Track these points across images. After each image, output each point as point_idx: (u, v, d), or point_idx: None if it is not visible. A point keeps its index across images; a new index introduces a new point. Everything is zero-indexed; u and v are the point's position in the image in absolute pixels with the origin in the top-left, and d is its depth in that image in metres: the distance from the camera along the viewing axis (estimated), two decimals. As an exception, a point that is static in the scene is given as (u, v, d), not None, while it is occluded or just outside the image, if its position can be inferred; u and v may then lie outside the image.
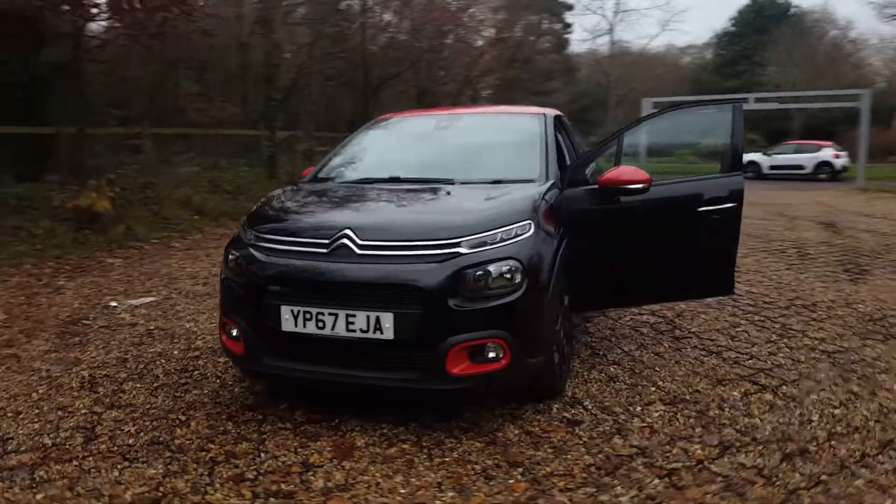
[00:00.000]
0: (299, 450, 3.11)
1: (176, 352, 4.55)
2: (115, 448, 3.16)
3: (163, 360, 4.38)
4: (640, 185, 3.93)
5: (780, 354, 4.40)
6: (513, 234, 3.26)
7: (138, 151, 13.87)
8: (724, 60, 47.54)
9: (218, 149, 17.05)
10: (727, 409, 3.53)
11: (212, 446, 3.16)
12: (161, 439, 3.25)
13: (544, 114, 4.57)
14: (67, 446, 3.19)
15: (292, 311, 3.20)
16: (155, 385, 3.95)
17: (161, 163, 13.81)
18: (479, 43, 22.88)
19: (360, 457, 3.03)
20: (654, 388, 3.82)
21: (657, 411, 3.51)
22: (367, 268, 3.14)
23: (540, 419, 3.42)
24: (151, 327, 5.14)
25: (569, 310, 3.87)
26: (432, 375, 3.09)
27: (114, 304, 5.80)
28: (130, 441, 3.23)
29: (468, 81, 23.21)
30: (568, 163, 4.45)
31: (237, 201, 12.27)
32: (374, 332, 3.09)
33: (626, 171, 3.98)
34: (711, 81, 44.20)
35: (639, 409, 3.55)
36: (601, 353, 4.43)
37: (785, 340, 4.70)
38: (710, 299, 5.78)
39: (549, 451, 3.09)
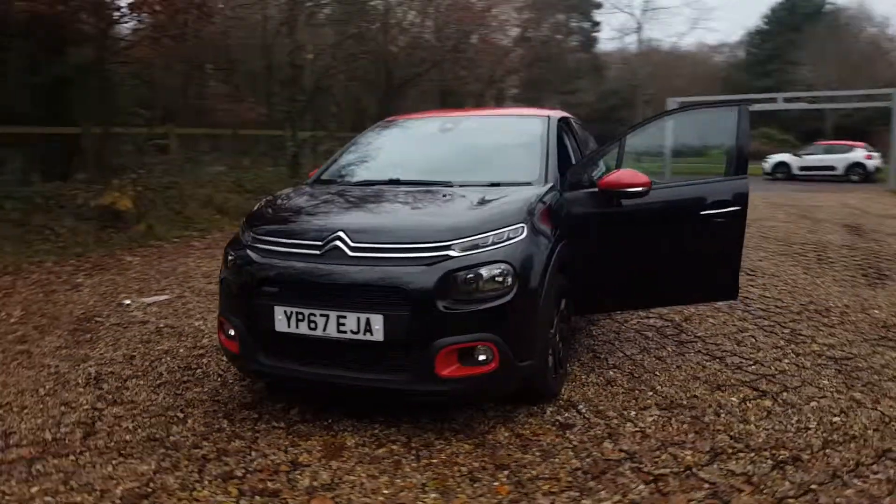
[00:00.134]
0: (290, 449, 3.15)
1: (182, 350, 4.63)
2: (112, 444, 3.23)
3: (168, 358, 4.46)
4: (639, 189, 3.91)
5: (785, 360, 4.34)
6: (504, 238, 3.26)
7: (164, 151, 14.11)
8: (755, 59, 46.85)
9: (244, 149, 17.28)
10: (723, 415, 3.49)
11: (205, 444, 3.22)
12: (157, 436, 3.31)
13: (548, 116, 4.56)
14: (66, 441, 3.27)
15: (285, 311, 3.24)
16: (158, 382, 4.02)
17: (186, 162, 14.04)
18: (504, 42, 22.83)
19: (349, 457, 3.06)
20: (651, 393, 3.80)
21: (651, 416, 3.49)
22: (357, 270, 3.17)
23: (532, 422, 3.42)
24: (161, 325, 5.23)
25: (566, 313, 3.85)
26: (421, 377, 3.11)
27: (127, 301, 5.91)
28: (127, 437, 3.30)
29: (492, 81, 23.17)
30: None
31: (258, 201, 12.39)
32: (365, 334, 3.12)
33: (627, 175, 3.96)
34: (742, 80, 43.60)
35: (633, 413, 3.53)
36: (602, 356, 4.41)
37: (792, 346, 4.63)
38: (720, 303, 5.73)
39: (538, 454, 3.09)
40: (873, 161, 24.17)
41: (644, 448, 3.14)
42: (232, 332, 3.49)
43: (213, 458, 3.06)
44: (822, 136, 32.85)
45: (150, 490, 2.80)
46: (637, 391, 3.83)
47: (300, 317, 3.21)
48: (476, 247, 3.19)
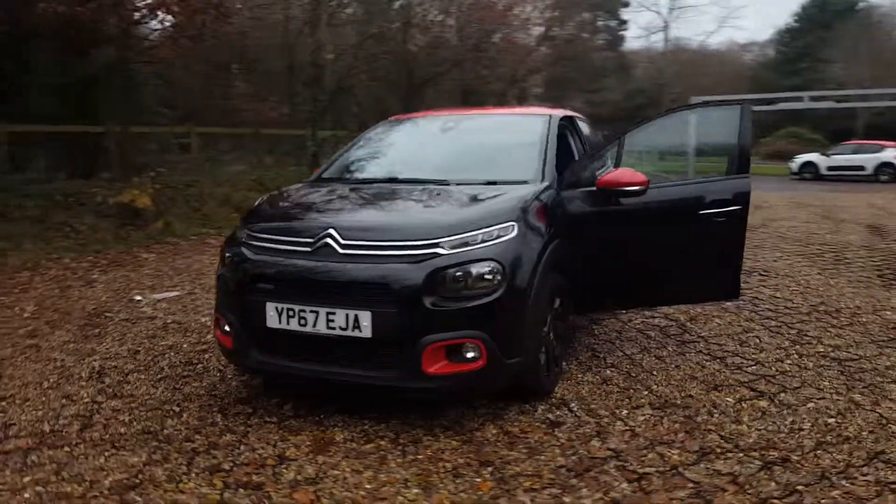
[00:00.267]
0: (279, 443, 3.18)
1: (186, 345, 4.70)
2: (107, 436, 3.29)
3: (171, 353, 4.53)
4: (636, 188, 3.89)
5: (788, 361, 4.28)
6: (494, 236, 3.27)
7: (186, 150, 14.33)
8: (784, 57, 46.20)
9: (268, 148, 17.46)
10: (716, 415, 3.46)
11: (197, 437, 3.27)
12: (152, 429, 3.37)
13: (549, 115, 4.54)
14: (64, 433, 3.34)
15: (277, 307, 3.28)
16: (158, 377, 4.09)
17: (208, 161, 14.25)
18: (527, 41, 22.77)
19: (336, 452, 3.09)
20: (646, 392, 3.77)
21: (643, 415, 3.47)
22: (347, 267, 3.20)
23: (522, 420, 3.42)
24: (168, 321, 5.31)
25: (561, 311, 3.84)
26: (409, 374, 3.13)
27: (138, 297, 6.02)
28: (122, 430, 3.36)
29: (514, 80, 23.12)
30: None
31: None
32: (353, 330, 3.14)
33: (625, 174, 3.94)
34: (771, 79, 43.00)
35: (625, 412, 3.51)
36: (601, 355, 4.39)
37: (797, 347, 4.56)
38: (728, 303, 5.68)
39: (524, 451, 3.09)
40: (904, 160, 23.66)
41: (632, 447, 3.13)
42: (227, 328, 3.54)
43: (202, 452, 3.11)
44: (853, 136, 32.26)
45: (137, 481, 2.86)
46: (632, 390, 3.81)
47: (291, 313, 3.25)
48: (465, 244, 3.21)
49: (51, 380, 4.06)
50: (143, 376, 4.11)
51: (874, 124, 34.77)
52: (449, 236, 3.20)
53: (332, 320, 3.17)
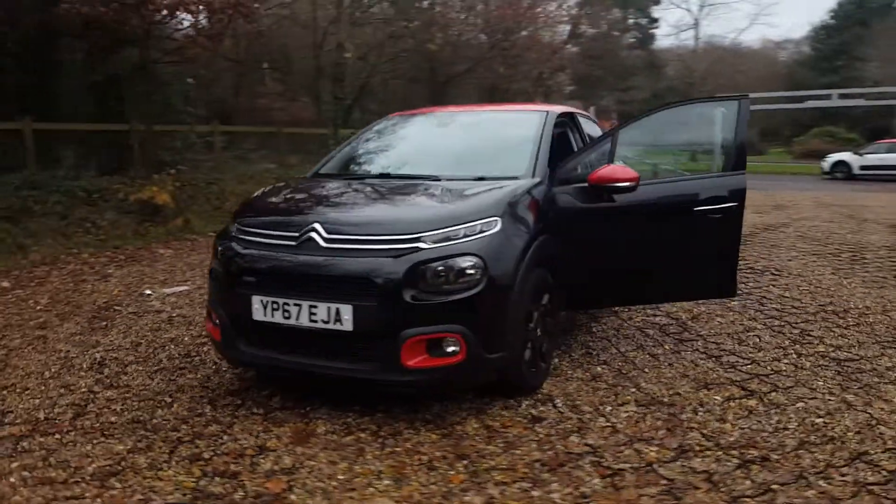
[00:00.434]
0: (261, 434, 3.24)
1: (187, 338, 4.79)
2: (98, 425, 3.38)
3: (172, 346, 4.62)
4: (627, 184, 3.87)
5: (785, 360, 4.23)
6: (477, 231, 3.28)
7: (212, 148, 14.54)
8: (820, 55, 45.33)
9: (295, 147, 17.63)
10: (701, 413, 3.44)
11: (184, 427, 3.33)
12: (141, 418, 3.45)
13: (546, 112, 4.54)
14: (57, 421, 3.44)
15: (262, 300, 3.33)
16: (155, 368, 4.18)
17: (234, 159, 14.44)
18: (553, 39, 22.68)
19: (315, 443, 3.14)
20: (634, 389, 3.76)
21: (627, 412, 3.46)
22: (329, 260, 3.24)
23: (504, 415, 3.43)
24: (174, 314, 5.42)
25: (550, 307, 3.83)
26: (388, 367, 3.16)
27: (148, 291, 6.14)
28: (113, 419, 3.45)
29: (541, 78, 23.03)
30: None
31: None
32: (335, 324, 3.19)
33: (616, 170, 3.93)
34: (806, 77, 42.22)
35: (608, 409, 3.50)
36: (595, 352, 4.38)
37: (797, 346, 4.50)
38: (734, 302, 5.62)
39: (501, 445, 3.10)
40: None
41: (610, 443, 3.12)
42: (216, 321, 3.61)
43: (186, 441, 3.18)
44: (889, 135, 31.51)
45: (119, 468, 2.93)
46: (620, 387, 3.79)
47: (275, 306, 3.30)
48: (447, 239, 3.23)
49: (53, 370, 4.17)
50: (141, 368, 4.20)
51: (912, 122, 33.97)
52: (431, 231, 3.22)
53: (315, 313, 3.21)
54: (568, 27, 24.83)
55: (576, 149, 4.79)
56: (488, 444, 3.12)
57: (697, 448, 3.07)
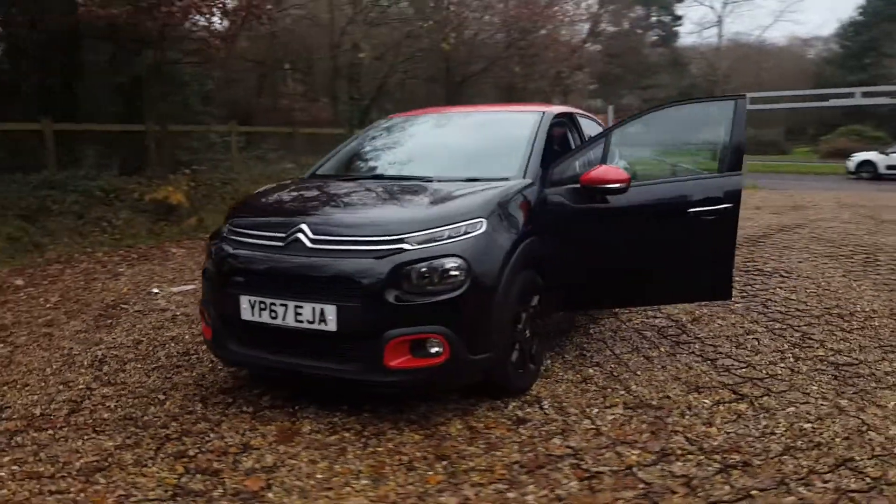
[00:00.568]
0: (247, 432, 3.28)
1: (188, 336, 4.86)
2: (91, 421, 3.45)
3: (172, 344, 4.69)
4: (618, 185, 3.86)
5: (781, 364, 4.18)
6: (461, 232, 3.30)
7: (230, 148, 14.70)
8: (849, 52, 44.52)
9: (312, 147, 17.76)
10: (688, 417, 3.42)
11: (174, 424, 3.39)
12: (133, 415, 3.51)
13: (543, 112, 4.53)
14: (52, 417, 3.51)
15: (250, 300, 3.38)
16: (153, 366, 4.25)
17: (252, 159, 14.59)
18: (573, 38, 22.58)
19: (299, 442, 3.17)
20: (623, 392, 3.75)
21: (613, 415, 3.45)
22: (314, 261, 3.27)
23: (490, 416, 3.44)
24: (178, 313, 5.50)
25: (540, 309, 3.83)
26: (371, 367, 3.18)
27: (155, 290, 6.24)
28: (106, 415, 3.52)
29: (559, 77, 22.95)
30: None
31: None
32: (319, 324, 3.22)
33: (608, 171, 3.92)
34: (834, 75, 41.51)
35: (595, 411, 3.49)
36: (589, 354, 4.37)
37: (795, 350, 4.45)
38: (736, 304, 5.57)
39: (482, 446, 3.11)
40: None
41: (592, 445, 3.12)
42: (209, 320, 3.66)
43: (174, 438, 3.23)
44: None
45: (106, 464, 2.99)
46: (609, 389, 3.78)
47: (263, 306, 3.34)
48: (431, 240, 3.24)
49: (54, 366, 4.26)
50: (139, 365, 4.27)
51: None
52: (415, 232, 3.24)
53: (300, 314, 3.25)
54: (587, 25, 24.67)
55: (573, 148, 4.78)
56: (470, 445, 3.13)
57: (679, 452, 3.05)
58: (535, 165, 4.01)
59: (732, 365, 4.17)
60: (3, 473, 2.92)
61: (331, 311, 3.19)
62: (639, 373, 4.04)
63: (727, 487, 2.76)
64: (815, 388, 3.81)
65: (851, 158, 25.14)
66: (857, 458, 2.99)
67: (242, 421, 3.42)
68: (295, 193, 4.05)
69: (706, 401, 3.63)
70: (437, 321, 3.18)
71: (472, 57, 17.57)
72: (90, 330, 5.06)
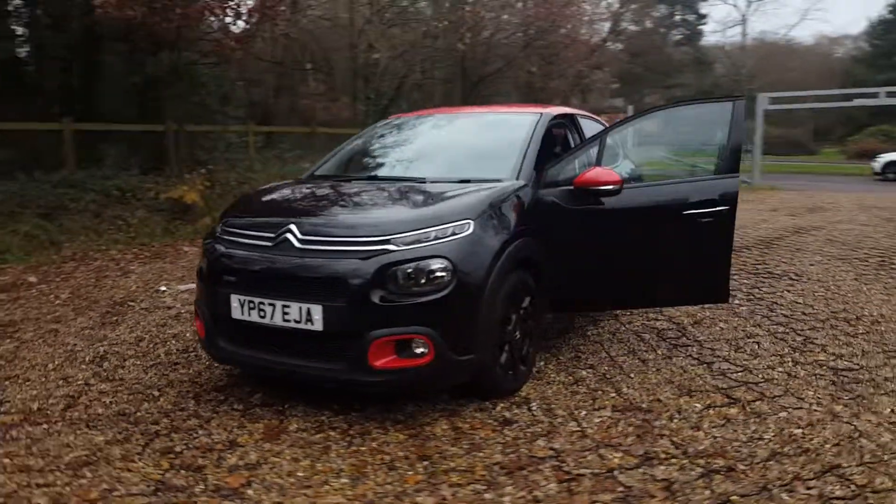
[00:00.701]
0: (235, 430, 3.32)
1: (189, 334, 4.92)
2: (85, 416, 3.52)
3: (173, 341, 4.76)
4: (610, 187, 3.85)
5: (779, 369, 4.13)
6: (448, 233, 3.30)
7: (247, 148, 14.84)
8: (879, 51, 43.78)
9: (331, 146, 17.82)
10: (676, 421, 3.39)
11: (164, 420, 3.44)
12: (127, 411, 3.57)
13: (541, 113, 4.53)
14: (48, 412, 3.58)
15: (240, 299, 3.42)
16: (152, 363, 4.31)
17: (272, 158, 14.71)
18: (592, 37, 22.46)
19: (285, 440, 3.20)
20: (614, 394, 3.73)
21: (600, 417, 3.43)
22: (301, 261, 3.30)
23: (477, 417, 3.44)
24: (183, 310, 5.57)
25: (532, 310, 3.82)
26: (356, 367, 3.20)
27: (163, 288, 6.32)
28: (100, 411, 3.58)
29: (580, 77, 22.84)
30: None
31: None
32: (306, 323, 3.25)
33: (602, 173, 3.91)
34: (863, 74, 40.82)
35: (583, 413, 3.48)
36: (584, 356, 4.35)
37: (795, 355, 4.39)
38: (741, 307, 5.52)
39: (465, 447, 3.12)
40: None
41: (575, 448, 3.11)
42: (202, 319, 3.71)
43: (163, 434, 3.28)
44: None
45: (94, 458, 3.04)
46: (600, 391, 3.77)
47: (252, 305, 3.38)
48: (417, 242, 3.26)
49: (56, 362, 4.34)
50: (138, 362, 4.34)
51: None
52: (401, 233, 3.26)
53: (288, 313, 3.28)
54: (607, 24, 24.52)
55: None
56: (453, 445, 3.14)
57: (663, 456, 3.03)
58: (529, 167, 4.01)
59: (729, 369, 4.13)
60: (-6, 466, 2.99)
61: (317, 310, 3.21)
62: (632, 375, 4.02)
63: (707, 492, 2.74)
64: (810, 393, 3.76)
65: (877, 159, 24.67)
66: (845, 464, 2.95)
67: (232, 418, 3.46)
68: (288, 194, 4.08)
69: (697, 404, 3.60)
70: (422, 322, 3.19)
71: (489, 57, 17.54)
72: (95, 327, 5.15)
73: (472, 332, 3.32)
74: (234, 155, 14.18)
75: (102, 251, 8.26)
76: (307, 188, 4.16)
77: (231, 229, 3.68)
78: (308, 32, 18.21)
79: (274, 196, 4.10)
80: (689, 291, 4.25)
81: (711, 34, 64.88)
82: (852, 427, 3.32)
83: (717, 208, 4.00)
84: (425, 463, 2.98)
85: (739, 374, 4.05)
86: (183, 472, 2.92)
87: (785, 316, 5.32)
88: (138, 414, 3.53)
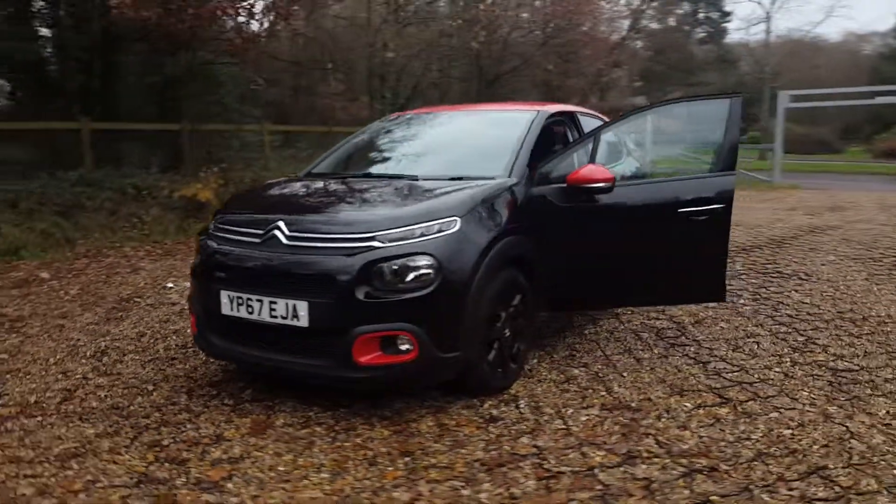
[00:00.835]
0: (223, 424, 3.36)
1: (189, 330, 4.97)
2: (80, 409, 3.58)
3: (174, 337, 4.82)
4: (602, 185, 3.83)
5: (776, 369, 4.08)
6: (435, 230, 3.31)
7: (267, 147, 14.97)
8: (907, 47, 42.96)
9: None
10: (664, 420, 3.37)
11: (156, 414, 3.49)
12: (120, 405, 3.63)
13: (538, 111, 4.51)
14: (44, 405, 3.65)
15: (229, 295, 3.45)
16: (150, 358, 4.38)
17: (290, 157, 14.82)
18: (607, 35, 22.31)
19: (270, 435, 3.23)
20: (604, 393, 3.71)
21: (587, 416, 3.42)
22: (287, 258, 3.33)
23: (463, 414, 3.45)
24: (186, 307, 5.63)
25: (523, 308, 3.81)
26: (341, 363, 3.22)
27: (170, 284, 6.40)
28: (95, 404, 3.64)
29: (600, 75, 22.69)
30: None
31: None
32: (292, 319, 3.27)
33: (594, 171, 3.89)
34: (890, 71, 40.04)
35: (570, 412, 3.47)
36: (578, 354, 4.33)
37: (795, 355, 4.34)
38: (745, 307, 5.46)
39: (448, 444, 3.12)
40: None
41: (559, 446, 3.10)
42: (195, 314, 3.76)
43: (152, 428, 3.33)
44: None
45: (83, 451, 3.10)
46: (591, 390, 3.75)
47: (240, 301, 3.41)
48: (403, 238, 3.27)
49: (58, 356, 4.42)
50: (137, 357, 4.40)
51: None
52: (386, 230, 3.27)
53: (275, 309, 3.31)
54: (627, 22, 24.34)
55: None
56: (436, 442, 3.14)
57: (646, 455, 3.01)
58: (522, 164, 4.00)
59: (724, 368, 4.09)
60: (-15, 457, 3.05)
61: (303, 307, 3.24)
62: (625, 374, 3.99)
63: (687, 492, 2.72)
64: (805, 393, 3.71)
65: (905, 158, 24.24)
66: (832, 466, 2.91)
67: (221, 413, 3.50)
68: (281, 191, 4.12)
69: (687, 404, 3.57)
70: (407, 318, 3.20)
71: (505, 55, 17.49)
72: (100, 322, 5.23)
73: (458, 329, 3.32)
74: (251, 154, 14.32)
75: (116, 248, 8.39)
76: (301, 185, 4.19)
77: (222, 226, 3.72)
78: (327, 32, 18.29)
79: (267, 193, 4.13)
80: (684, 290, 4.21)
81: (735, 32, 63.91)
82: (844, 428, 3.27)
83: (713, 206, 3.96)
84: (407, 459, 2.99)
85: (735, 373, 4.01)
86: (167, 464, 2.96)
87: (789, 316, 5.25)
88: (131, 408, 3.58)
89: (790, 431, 3.24)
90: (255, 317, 3.38)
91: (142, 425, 3.36)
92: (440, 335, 3.25)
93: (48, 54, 13.80)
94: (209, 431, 3.27)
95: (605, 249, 4.07)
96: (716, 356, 4.31)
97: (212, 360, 4.26)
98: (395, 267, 3.21)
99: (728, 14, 45.81)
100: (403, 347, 3.22)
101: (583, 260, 4.05)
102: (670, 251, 4.06)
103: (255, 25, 10.49)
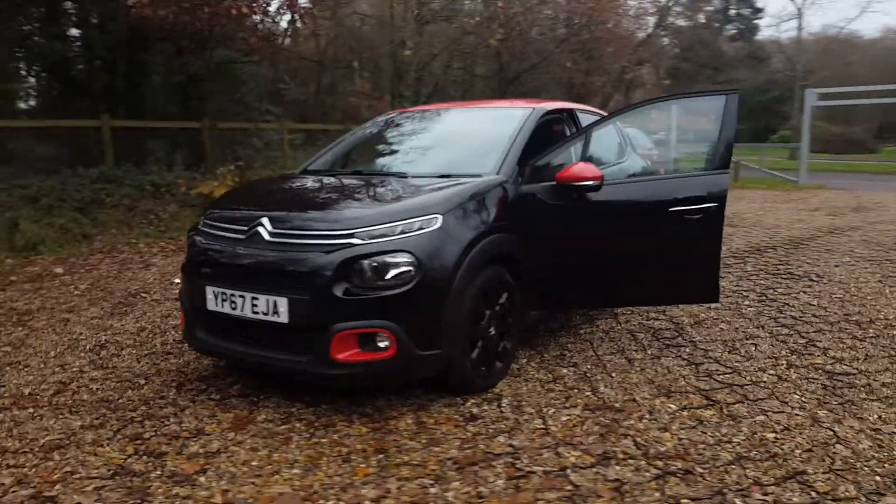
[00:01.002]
0: (206, 418, 3.39)
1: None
2: (70, 402, 3.65)
3: (172, 332, 4.89)
4: (591, 182, 3.80)
5: (771, 371, 4.01)
6: (415, 227, 3.31)
7: (290, 145, 15.11)
8: (947, 44, 41.86)
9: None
10: (645, 421, 3.33)
11: (143, 408, 3.54)
12: (110, 398, 3.69)
13: (532, 108, 4.49)
14: (37, 397, 3.73)
15: (214, 291, 3.49)
16: (146, 353, 4.44)
17: (308, 155, 14.95)
18: (632, 32, 22.09)
19: (249, 430, 3.26)
20: (589, 393, 3.68)
21: (568, 416, 3.39)
22: (269, 254, 3.36)
23: (444, 412, 3.44)
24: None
25: (509, 307, 3.80)
26: (319, 360, 3.24)
27: (176, 280, 6.49)
28: (86, 397, 3.71)
29: (623, 73, 22.49)
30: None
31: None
32: (273, 315, 3.30)
33: (584, 169, 3.86)
34: (930, 68, 39.05)
35: (552, 411, 3.44)
36: (569, 354, 4.30)
37: (792, 357, 4.26)
38: (748, 308, 5.38)
39: (424, 442, 3.12)
40: None
41: (535, 445, 3.08)
42: (183, 309, 3.81)
43: (136, 421, 3.38)
44: None
45: (67, 442, 3.16)
46: (576, 390, 3.72)
47: (224, 297, 3.45)
48: (382, 236, 3.27)
49: (58, 350, 4.51)
50: (134, 351, 4.48)
51: None
52: (366, 227, 3.28)
53: (256, 305, 3.34)
54: (653, 19, 24.07)
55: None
56: (412, 439, 3.15)
57: (622, 456, 2.98)
58: (511, 162, 3.98)
59: (716, 370, 4.03)
60: (-28, 447, 3.13)
61: (283, 303, 3.26)
62: (613, 375, 3.96)
63: (657, 494, 2.69)
64: (796, 396, 3.64)
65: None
66: (811, 471, 2.86)
67: (206, 407, 3.54)
68: (271, 188, 4.16)
69: (672, 405, 3.52)
70: (385, 316, 3.21)
71: (525, 53, 17.41)
72: (105, 316, 5.32)
73: (438, 327, 3.32)
74: (272, 152, 14.46)
75: (131, 244, 8.52)
76: (292, 183, 4.22)
77: (210, 222, 3.77)
78: (351, 30, 18.39)
79: (256, 190, 4.18)
80: (676, 290, 4.16)
81: (766, 28, 62.76)
82: (831, 433, 3.21)
83: (705, 205, 3.91)
84: (380, 456, 3.00)
85: (727, 375, 3.95)
86: (145, 457, 3.00)
87: (793, 318, 5.15)
88: (120, 401, 3.64)
89: (774, 435, 3.19)
90: (238, 313, 3.41)
91: (127, 418, 3.41)
92: (419, 333, 3.25)
93: (74, 53, 14.07)
94: (191, 426, 3.31)
95: (595, 248, 4.03)
96: (710, 358, 4.25)
97: (205, 356, 4.32)
98: (375, 264, 3.21)
99: (760, 10, 45.15)
100: (382, 344, 3.23)
101: (572, 258, 4.02)
102: (662, 250, 4.01)
103: (273, 24, 10.52)
